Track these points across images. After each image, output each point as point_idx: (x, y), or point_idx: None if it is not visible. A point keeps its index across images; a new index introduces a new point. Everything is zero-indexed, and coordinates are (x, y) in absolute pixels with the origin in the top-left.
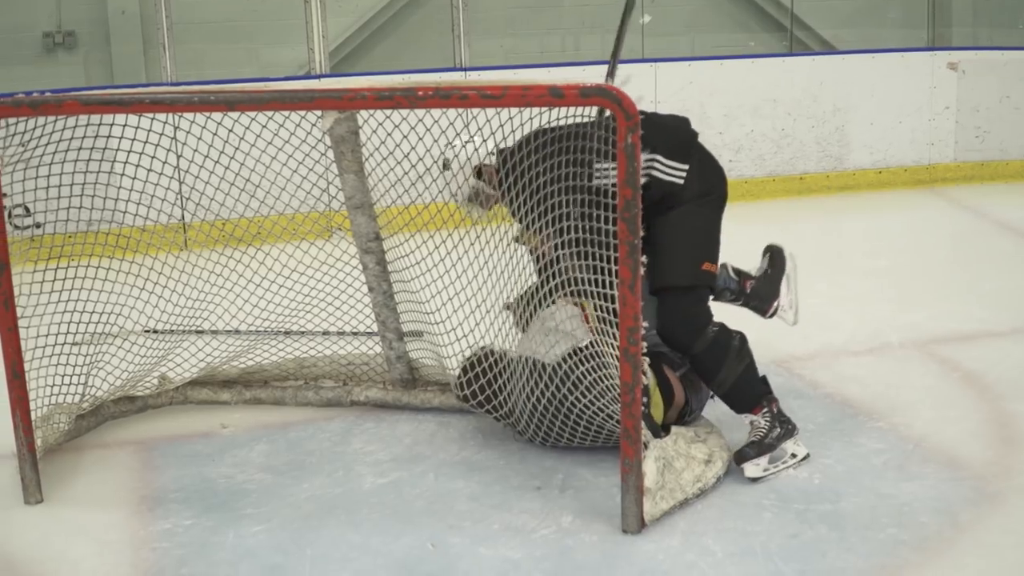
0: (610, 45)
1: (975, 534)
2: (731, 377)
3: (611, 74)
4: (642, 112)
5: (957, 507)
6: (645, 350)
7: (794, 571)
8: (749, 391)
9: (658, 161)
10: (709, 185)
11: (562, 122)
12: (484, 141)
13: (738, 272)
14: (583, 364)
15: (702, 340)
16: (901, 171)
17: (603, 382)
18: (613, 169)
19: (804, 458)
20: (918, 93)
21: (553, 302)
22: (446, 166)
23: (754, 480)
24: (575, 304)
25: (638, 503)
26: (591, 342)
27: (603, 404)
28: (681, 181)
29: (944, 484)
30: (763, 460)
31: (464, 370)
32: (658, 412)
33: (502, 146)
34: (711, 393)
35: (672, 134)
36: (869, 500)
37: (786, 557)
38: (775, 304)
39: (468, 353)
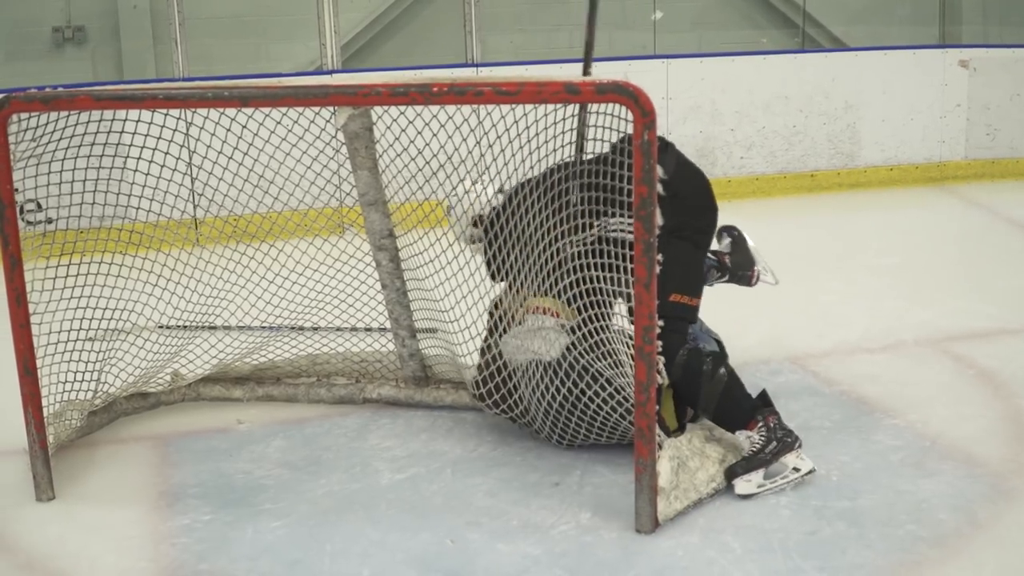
0: (616, 43)
1: (993, 531)
2: (712, 399)
3: (587, 70)
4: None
5: (975, 504)
6: (660, 349)
7: (813, 567)
8: (735, 410)
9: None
10: (681, 221)
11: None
12: (484, 189)
13: (714, 252)
14: (586, 355)
15: (675, 369)
16: (912, 168)
17: (609, 370)
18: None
19: (809, 472)
20: (929, 90)
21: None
22: (448, 211)
23: (744, 497)
24: (545, 311)
25: (652, 503)
26: (589, 331)
27: (612, 392)
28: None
29: (961, 481)
30: (756, 475)
31: (479, 368)
32: (669, 412)
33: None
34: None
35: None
36: (887, 497)
37: (805, 553)
38: (756, 270)
39: (481, 348)
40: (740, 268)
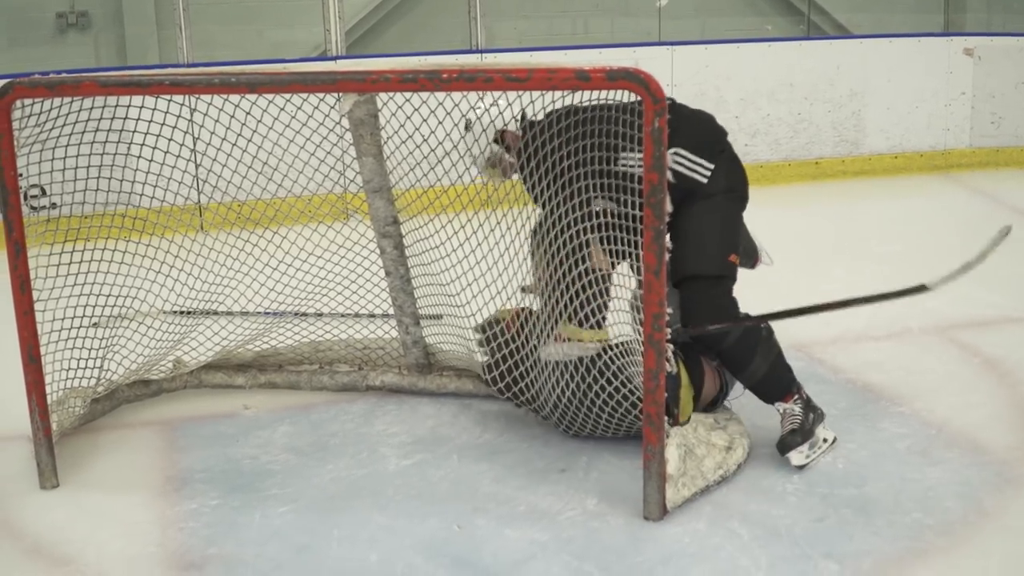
0: (621, 29)
1: (999, 518)
2: (763, 367)
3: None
4: (669, 99)
5: (981, 492)
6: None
7: (820, 554)
8: (778, 380)
9: (681, 155)
10: (734, 183)
11: (587, 103)
12: (509, 105)
13: None
14: (617, 360)
15: (733, 331)
16: (917, 156)
17: (633, 381)
18: (638, 156)
19: (833, 442)
20: (934, 78)
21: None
22: (468, 127)
23: (800, 467)
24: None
25: (660, 490)
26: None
27: (634, 400)
28: (704, 180)
29: (968, 469)
30: (805, 447)
31: (491, 352)
32: (687, 406)
33: (527, 112)
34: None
35: (698, 129)
36: (894, 485)
37: (812, 541)
38: (759, 255)
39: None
40: (747, 254)
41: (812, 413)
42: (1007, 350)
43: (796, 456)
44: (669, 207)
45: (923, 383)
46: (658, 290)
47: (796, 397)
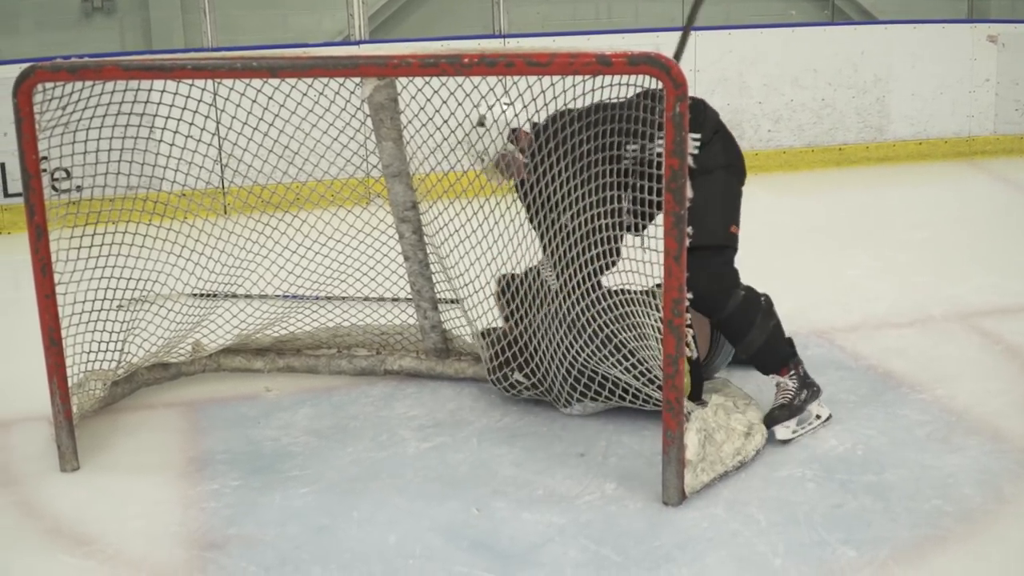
0: (644, 14)
1: (1019, 506)
2: (761, 337)
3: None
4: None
5: (1001, 479)
6: (689, 321)
7: (838, 540)
8: (778, 351)
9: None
10: (732, 158)
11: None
12: (525, 107)
13: None
14: (605, 313)
15: (733, 300)
16: (941, 143)
17: (629, 331)
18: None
19: (827, 419)
20: (958, 65)
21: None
22: (480, 123)
23: (784, 442)
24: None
25: (679, 475)
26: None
27: (631, 351)
28: (695, 151)
29: (987, 456)
30: (792, 423)
31: (491, 344)
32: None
33: (535, 119)
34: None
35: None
36: (913, 471)
37: (830, 527)
38: None
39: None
40: None
41: (807, 389)
42: None
43: (781, 431)
44: (690, 192)
45: (944, 370)
46: (678, 275)
47: (792, 372)
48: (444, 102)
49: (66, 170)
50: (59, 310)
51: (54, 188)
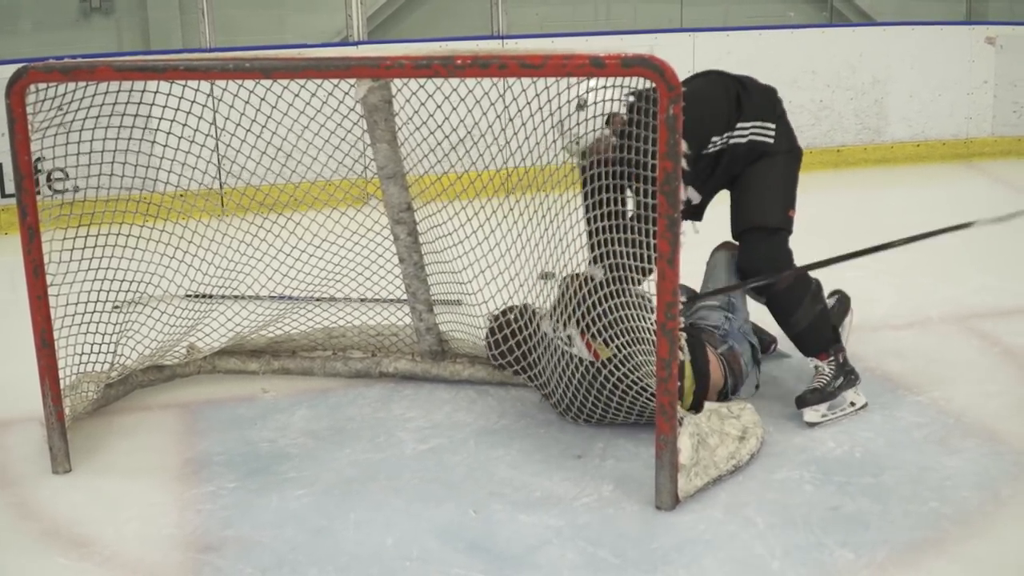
0: (642, 15)
1: (1017, 508)
2: (807, 318)
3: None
4: (738, 76)
5: (998, 482)
6: (684, 325)
7: (836, 542)
8: (820, 334)
9: (757, 126)
10: (792, 143)
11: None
12: (622, 91)
13: None
14: (624, 364)
15: (786, 278)
16: (939, 144)
17: (644, 380)
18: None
19: (863, 407)
20: (957, 67)
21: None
22: (581, 106)
23: (811, 425)
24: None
25: (673, 479)
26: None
27: (645, 397)
28: (771, 140)
29: (985, 458)
30: (822, 407)
31: (492, 331)
32: (687, 387)
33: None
34: (753, 380)
35: (757, 98)
36: (910, 474)
37: (828, 529)
38: None
39: (495, 312)
40: None
41: (842, 377)
42: None
43: (809, 413)
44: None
45: (942, 372)
46: (672, 279)
47: (831, 358)
48: (439, 107)
49: (64, 171)
50: (52, 311)
51: (51, 189)
